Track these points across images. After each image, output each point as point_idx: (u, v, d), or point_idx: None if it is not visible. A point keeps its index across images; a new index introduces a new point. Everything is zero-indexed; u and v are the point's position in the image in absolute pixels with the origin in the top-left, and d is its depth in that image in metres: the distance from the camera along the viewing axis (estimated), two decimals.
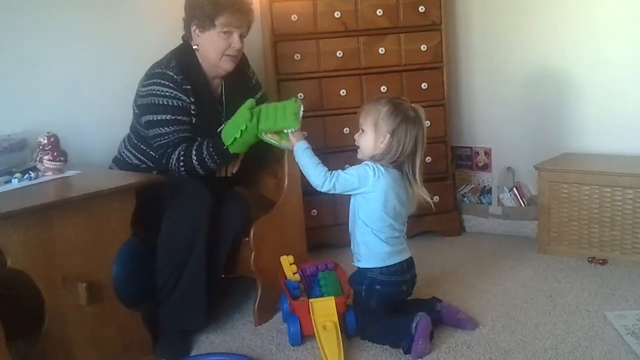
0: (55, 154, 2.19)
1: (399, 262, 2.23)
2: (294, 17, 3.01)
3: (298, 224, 2.58)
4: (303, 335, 2.20)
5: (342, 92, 3.10)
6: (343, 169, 2.22)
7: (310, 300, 2.19)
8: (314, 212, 3.11)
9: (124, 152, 2.55)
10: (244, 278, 2.59)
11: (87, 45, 2.80)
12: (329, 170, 2.20)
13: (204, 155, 2.32)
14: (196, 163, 2.33)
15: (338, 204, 3.17)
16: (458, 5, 3.49)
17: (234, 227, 2.39)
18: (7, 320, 1.79)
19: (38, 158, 2.21)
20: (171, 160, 2.35)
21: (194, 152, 2.33)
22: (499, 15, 3.36)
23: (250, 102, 2.34)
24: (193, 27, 2.44)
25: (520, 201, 3.27)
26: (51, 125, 2.33)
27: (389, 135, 2.15)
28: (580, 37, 3.09)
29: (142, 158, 2.50)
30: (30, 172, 2.16)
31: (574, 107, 3.17)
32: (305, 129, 2.98)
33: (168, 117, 2.35)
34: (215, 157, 2.34)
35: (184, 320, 2.29)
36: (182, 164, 2.34)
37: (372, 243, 2.20)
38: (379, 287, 2.20)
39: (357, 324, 2.22)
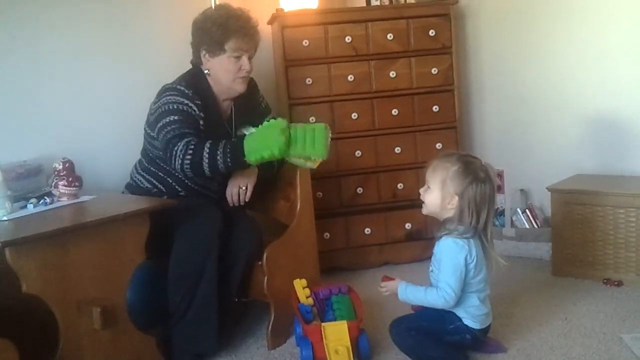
0: (70, 179, 2.22)
1: (488, 326, 2.19)
2: (305, 43, 3.04)
3: (311, 247, 2.58)
4: None
5: (354, 115, 3.12)
6: None
7: (323, 324, 2.17)
8: (327, 235, 3.11)
9: (135, 177, 2.57)
10: (257, 302, 2.58)
11: (101, 72, 2.85)
12: (432, 286, 2.11)
13: (218, 154, 2.24)
14: (206, 158, 2.23)
15: (350, 227, 3.18)
16: (468, 29, 3.51)
17: (246, 251, 2.40)
18: (22, 345, 1.79)
19: (53, 183, 2.24)
20: (176, 150, 2.25)
21: (207, 147, 2.24)
22: (509, 38, 3.39)
23: (282, 122, 2.25)
24: (203, 52, 2.47)
25: (534, 223, 3.26)
26: (66, 151, 2.36)
27: (457, 197, 2.08)
28: (591, 58, 3.10)
29: (153, 181, 2.51)
30: (45, 197, 2.18)
31: (586, 128, 3.16)
32: None
33: (176, 117, 2.33)
34: (229, 160, 2.24)
35: (196, 345, 2.28)
36: (189, 156, 2.24)
37: (473, 306, 2.13)
38: (469, 337, 2.14)
39: (394, 325, 2.18)
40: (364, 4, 3.38)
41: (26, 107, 2.64)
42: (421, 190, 2.20)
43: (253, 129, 2.34)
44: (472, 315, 2.13)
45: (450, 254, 2.08)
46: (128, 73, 2.92)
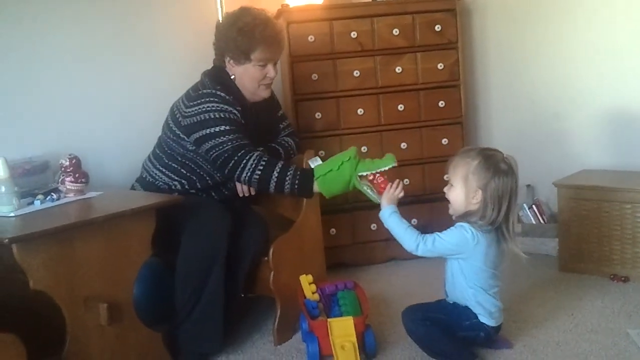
0: (77, 175, 2.22)
1: (501, 324, 2.20)
2: (310, 38, 3.04)
3: (317, 243, 2.57)
4: (322, 355, 2.19)
5: (360, 111, 3.11)
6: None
7: (329, 320, 2.18)
8: (333, 231, 3.11)
9: (153, 172, 2.53)
10: (263, 297, 2.59)
11: (109, 68, 2.85)
12: (420, 233, 2.12)
13: (288, 176, 2.31)
14: (274, 178, 2.31)
15: (357, 223, 3.18)
16: (474, 24, 3.50)
17: (253, 247, 2.40)
18: (29, 341, 1.80)
19: (60, 180, 2.24)
20: (245, 162, 2.31)
21: (277, 168, 2.31)
22: (515, 33, 3.38)
23: (353, 148, 2.34)
24: (227, 59, 2.46)
25: (540, 219, 3.25)
26: (73, 147, 2.36)
27: (480, 191, 2.07)
28: (598, 54, 3.08)
29: (174, 177, 2.48)
30: (52, 193, 2.18)
31: (592, 123, 3.15)
32: (323, 148, 3.03)
33: (226, 127, 2.33)
34: (296, 185, 2.32)
35: (201, 344, 2.28)
36: (259, 172, 2.31)
37: (486, 301, 2.13)
38: (483, 334, 2.14)
39: (408, 312, 2.19)
40: (369, 0, 3.37)
41: (32, 104, 2.64)
42: (445, 189, 2.19)
43: (319, 161, 2.41)
44: (488, 312, 2.13)
45: (459, 234, 2.09)
46: (134, 70, 2.92)
